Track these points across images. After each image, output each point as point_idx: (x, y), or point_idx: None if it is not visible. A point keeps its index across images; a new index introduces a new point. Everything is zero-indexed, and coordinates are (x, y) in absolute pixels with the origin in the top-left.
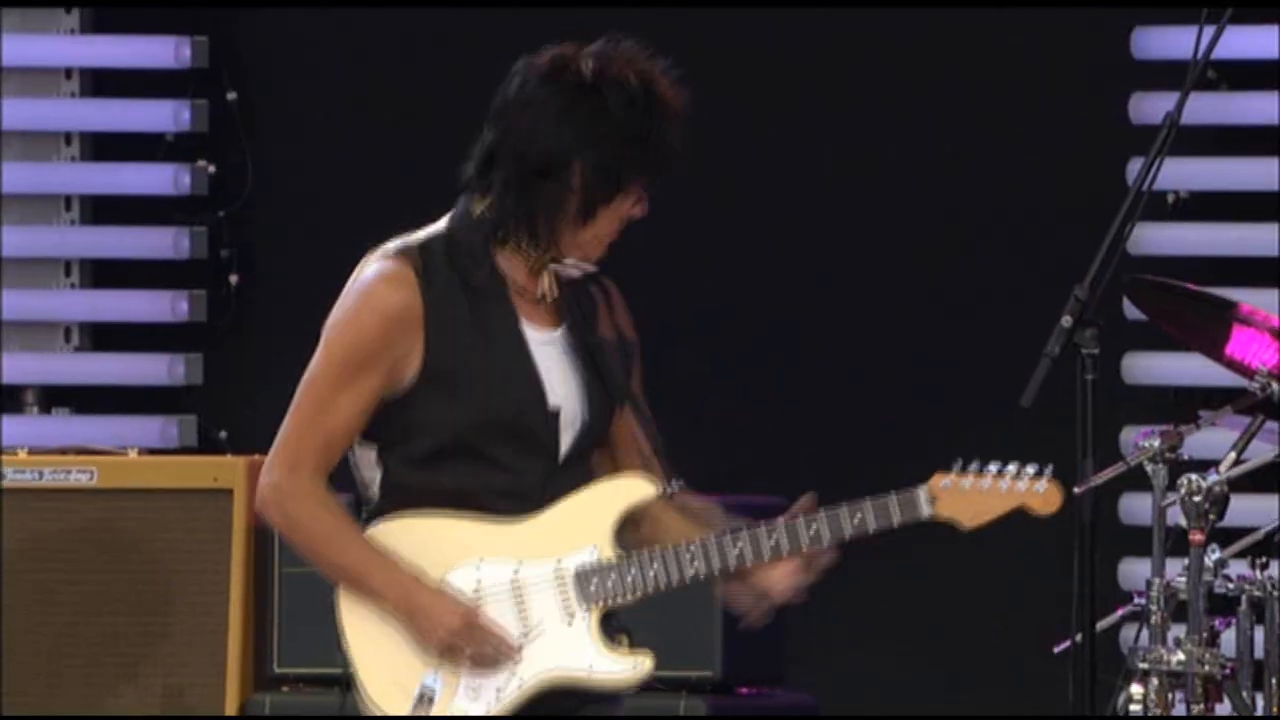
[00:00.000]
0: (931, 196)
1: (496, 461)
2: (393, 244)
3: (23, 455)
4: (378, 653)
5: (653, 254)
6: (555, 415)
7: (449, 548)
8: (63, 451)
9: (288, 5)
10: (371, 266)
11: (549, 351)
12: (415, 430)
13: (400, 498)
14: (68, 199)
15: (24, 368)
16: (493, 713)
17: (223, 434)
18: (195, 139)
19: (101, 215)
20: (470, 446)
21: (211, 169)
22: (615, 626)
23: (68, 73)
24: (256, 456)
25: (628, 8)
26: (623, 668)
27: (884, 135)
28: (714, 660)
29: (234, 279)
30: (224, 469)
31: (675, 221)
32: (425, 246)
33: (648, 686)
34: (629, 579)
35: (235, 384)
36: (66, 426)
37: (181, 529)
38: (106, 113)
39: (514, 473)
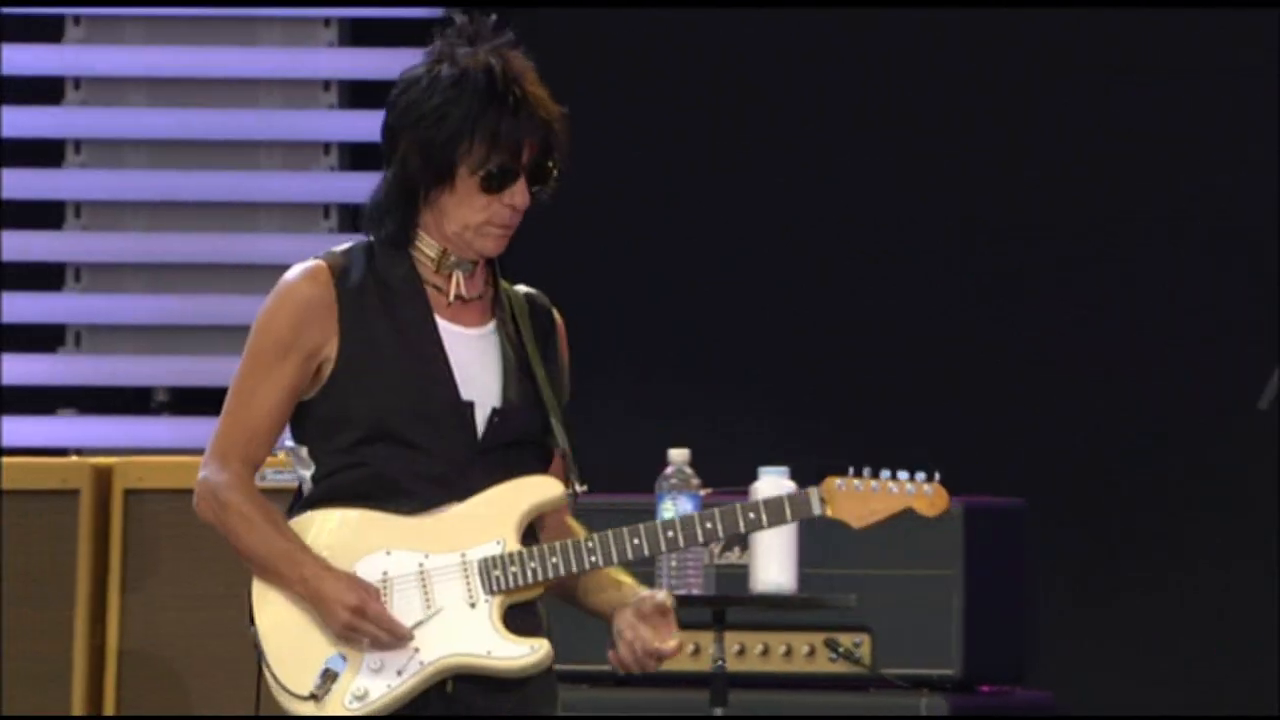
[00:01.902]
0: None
1: (417, 446)
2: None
3: (283, 457)
4: (285, 637)
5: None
6: (469, 406)
7: (360, 538)
8: None
9: (539, 6)
10: (293, 268)
11: (469, 345)
12: (339, 422)
13: (327, 489)
14: (326, 208)
15: None
16: (394, 689)
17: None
18: None
19: (359, 223)
20: (391, 432)
21: None
22: (527, 620)
23: (326, 85)
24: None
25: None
26: (520, 651)
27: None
28: (954, 659)
29: None
30: None
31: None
32: (347, 250)
33: (888, 684)
34: (530, 569)
35: None
36: None
37: None
38: (363, 123)
39: (436, 456)
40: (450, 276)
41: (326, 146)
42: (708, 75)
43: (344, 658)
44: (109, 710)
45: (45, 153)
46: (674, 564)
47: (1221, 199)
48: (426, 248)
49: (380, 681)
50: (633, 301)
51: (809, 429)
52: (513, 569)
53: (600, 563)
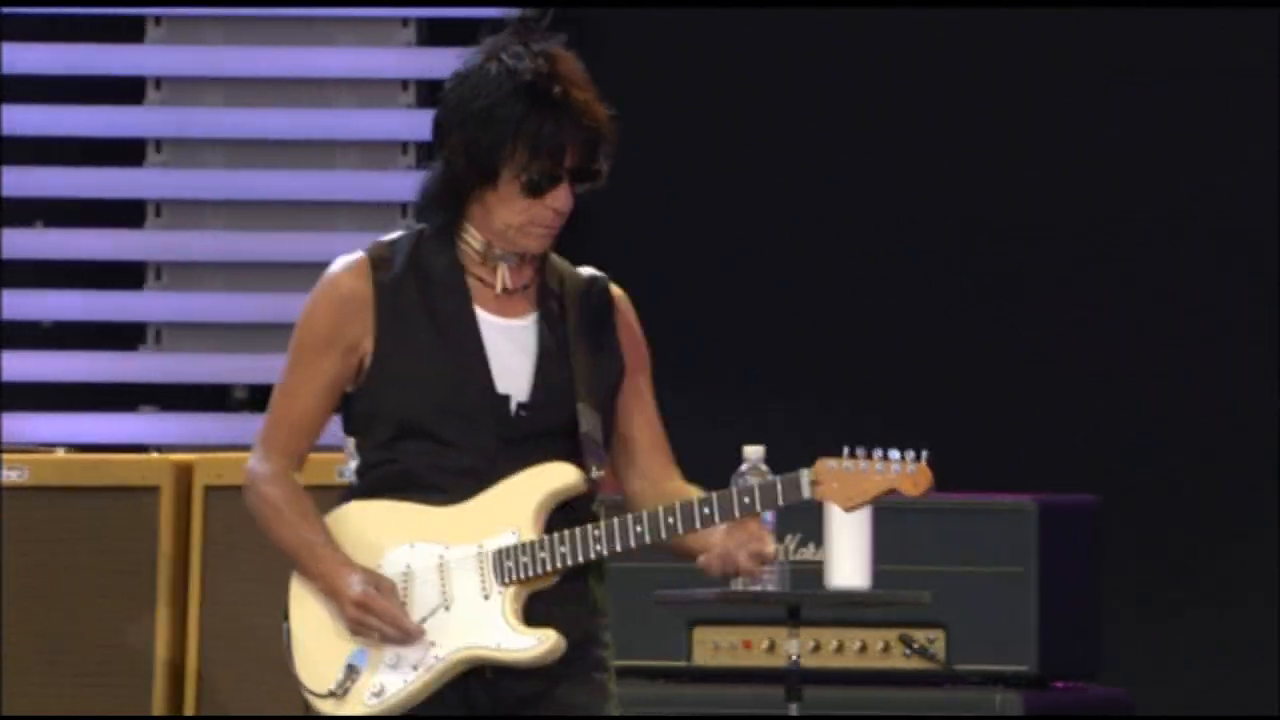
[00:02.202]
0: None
1: (446, 441)
2: None
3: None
4: (312, 634)
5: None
6: (504, 399)
7: (388, 531)
8: None
9: (610, 7)
10: (335, 261)
11: (509, 337)
12: (375, 417)
13: (366, 483)
14: (403, 207)
15: None
16: (410, 684)
17: None
18: None
19: None
20: (420, 428)
21: None
22: (556, 609)
23: (404, 84)
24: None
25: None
26: (529, 643)
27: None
28: (1030, 655)
29: None
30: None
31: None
32: (392, 241)
33: (962, 680)
34: (540, 558)
35: None
36: None
37: None
38: None
39: (465, 452)
40: (495, 269)
41: (404, 146)
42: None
43: (366, 654)
44: (189, 706)
45: (126, 152)
46: None
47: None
48: (472, 240)
49: (396, 677)
50: (695, 301)
51: (884, 425)
52: (524, 559)
53: (604, 551)
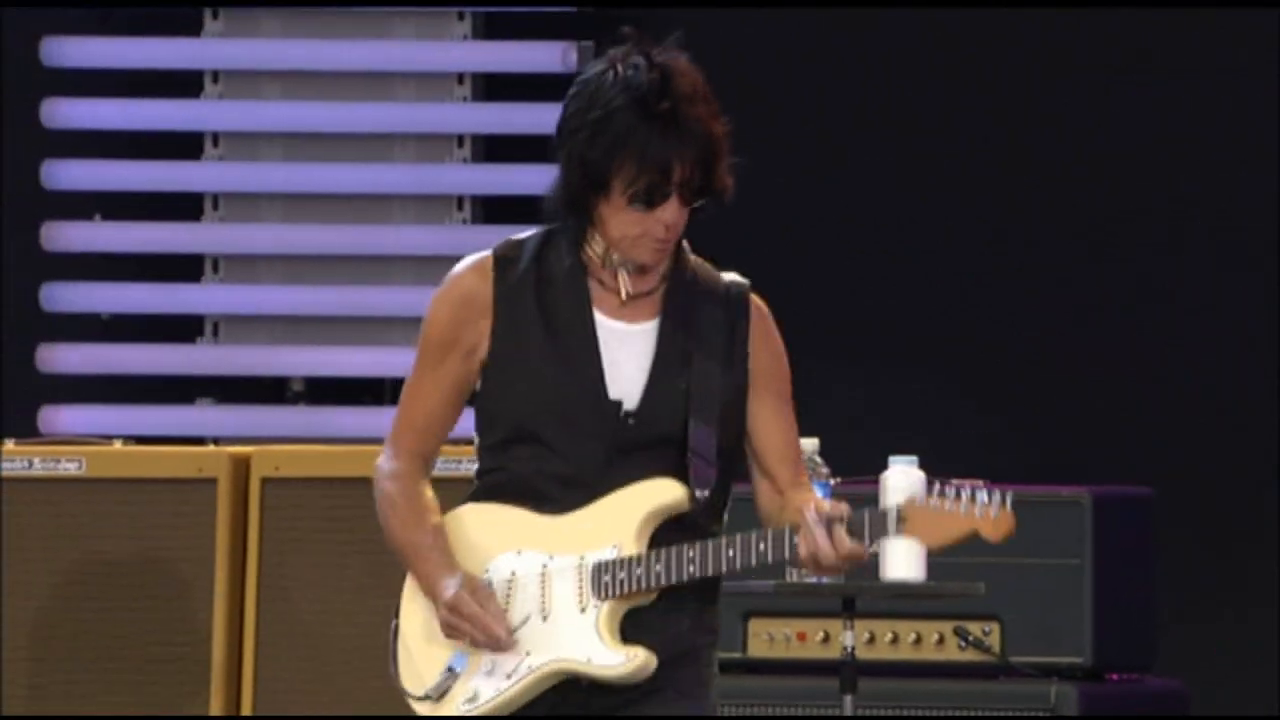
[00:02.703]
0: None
1: (554, 448)
2: None
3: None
4: (417, 635)
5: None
6: (616, 405)
7: (496, 536)
8: (454, 442)
9: (667, 8)
10: (464, 259)
11: (627, 343)
12: (493, 418)
13: (482, 486)
14: (459, 199)
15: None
16: (503, 692)
17: None
18: None
19: (491, 215)
20: (532, 433)
21: None
22: (655, 626)
23: (460, 78)
24: None
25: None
26: (618, 660)
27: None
28: (1085, 647)
29: None
30: None
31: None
32: (522, 240)
33: (1017, 672)
34: (636, 575)
35: None
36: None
37: None
38: (496, 115)
39: (572, 459)
40: (616, 274)
41: (460, 139)
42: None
43: (465, 658)
44: (247, 699)
45: (184, 145)
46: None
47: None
48: (595, 244)
49: (491, 684)
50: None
51: (937, 417)
52: (621, 575)
53: (697, 573)
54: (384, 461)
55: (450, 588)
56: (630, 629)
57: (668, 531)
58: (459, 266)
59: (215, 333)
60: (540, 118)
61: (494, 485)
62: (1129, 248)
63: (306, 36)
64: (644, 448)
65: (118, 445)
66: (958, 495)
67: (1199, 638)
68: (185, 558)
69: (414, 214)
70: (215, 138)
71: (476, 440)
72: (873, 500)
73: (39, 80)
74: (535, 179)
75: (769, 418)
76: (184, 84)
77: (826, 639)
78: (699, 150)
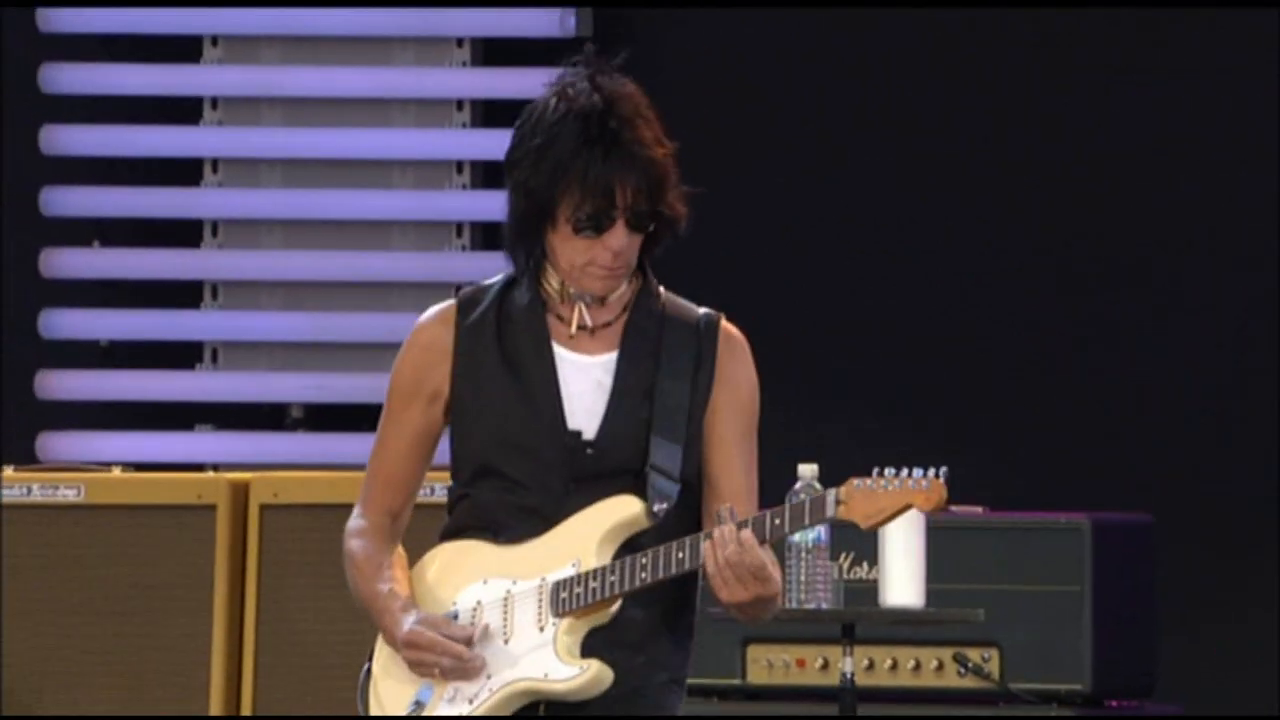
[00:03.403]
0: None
1: (516, 480)
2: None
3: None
4: (385, 676)
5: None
6: (575, 435)
7: (462, 569)
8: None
9: (667, 8)
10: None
11: (586, 375)
12: (457, 459)
13: (450, 523)
14: (458, 226)
15: None
16: (468, 716)
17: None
18: None
19: (490, 241)
20: (494, 468)
21: None
22: (615, 638)
23: (459, 104)
24: None
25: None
26: (571, 673)
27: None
28: (1085, 673)
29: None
30: None
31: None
32: (485, 285)
33: (1017, 699)
34: (592, 588)
35: None
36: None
37: None
38: (496, 142)
39: (533, 490)
40: (573, 307)
41: (459, 165)
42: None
43: (430, 690)
44: None
45: (184, 171)
46: (803, 578)
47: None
48: (551, 278)
49: (454, 710)
50: (752, 304)
51: (935, 444)
52: (578, 589)
53: (648, 578)
54: (352, 520)
55: (405, 624)
56: (587, 652)
57: (626, 550)
58: (421, 318)
59: (214, 359)
60: None
61: (459, 519)
62: (1134, 273)
63: (306, 63)
64: (603, 477)
65: (116, 472)
66: (895, 473)
67: (1199, 664)
68: (184, 584)
69: (413, 240)
70: (215, 164)
71: (451, 480)
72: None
73: (38, 106)
74: None
75: (727, 452)
76: (183, 110)
77: (826, 665)
78: (642, 175)
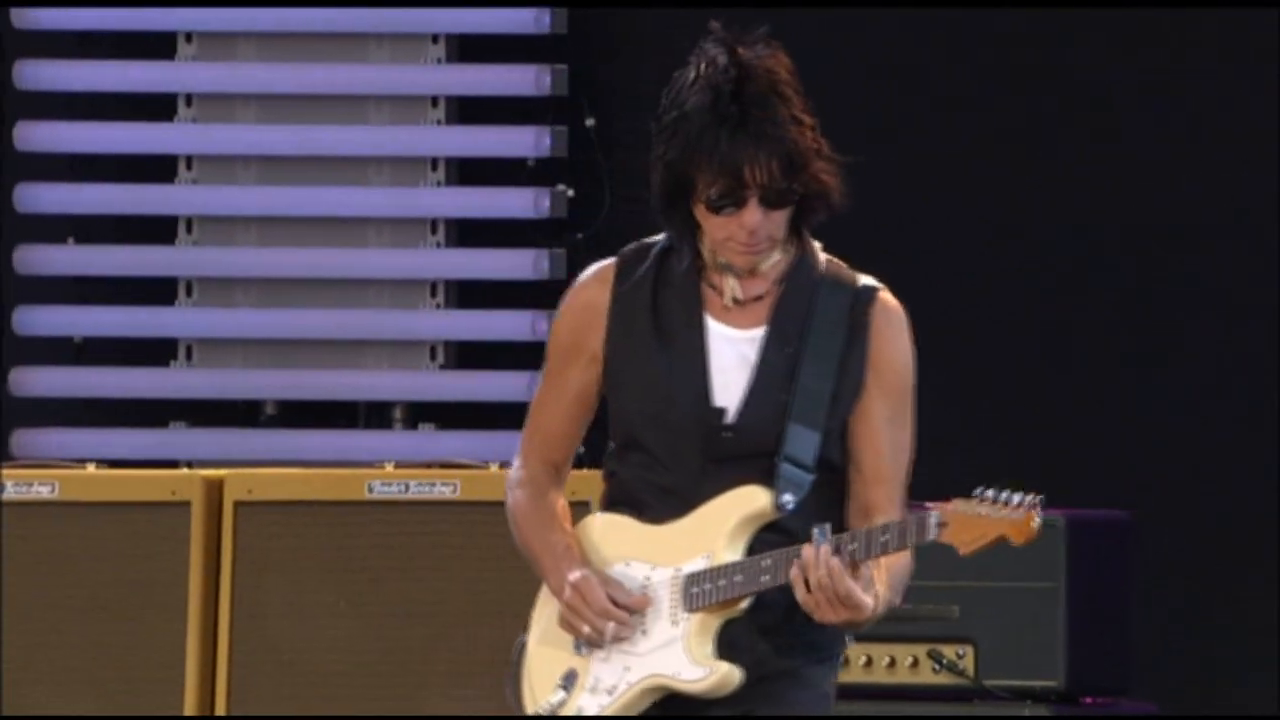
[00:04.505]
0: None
1: (655, 457)
2: None
3: (390, 469)
4: (540, 647)
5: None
6: (718, 413)
7: (612, 545)
8: (428, 465)
9: (642, 32)
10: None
11: (734, 349)
12: (613, 423)
13: (607, 493)
14: (433, 222)
15: (391, 385)
16: (605, 709)
17: (581, 449)
18: (555, 164)
19: (465, 238)
20: (638, 442)
21: (570, 193)
22: (748, 638)
23: (434, 100)
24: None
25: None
26: (701, 674)
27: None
28: (1059, 670)
29: None
30: (581, 482)
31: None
32: (648, 244)
33: (991, 696)
34: (720, 585)
35: None
36: (431, 441)
37: None
38: (470, 139)
39: (671, 470)
40: (725, 276)
41: (434, 162)
42: (808, 75)
43: (576, 676)
44: None
45: (158, 168)
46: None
47: None
48: (703, 247)
49: (594, 701)
50: None
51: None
52: (708, 585)
53: (770, 581)
54: (513, 471)
55: (575, 572)
56: (723, 648)
57: (765, 542)
58: (581, 276)
59: (189, 356)
60: (514, 140)
61: (611, 493)
62: (1114, 268)
63: (280, 60)
64: (738, 459)
65: (91, 469)
66: (994, 499)
67: (1174, 661)
68: (159, 581)
69: (388, 237)
70: (189, 161)
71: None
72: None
73: (12, 103)
74: (510, 202)
75: (873, 434)
76: (158, 107)
77: None
78: (773, 152)
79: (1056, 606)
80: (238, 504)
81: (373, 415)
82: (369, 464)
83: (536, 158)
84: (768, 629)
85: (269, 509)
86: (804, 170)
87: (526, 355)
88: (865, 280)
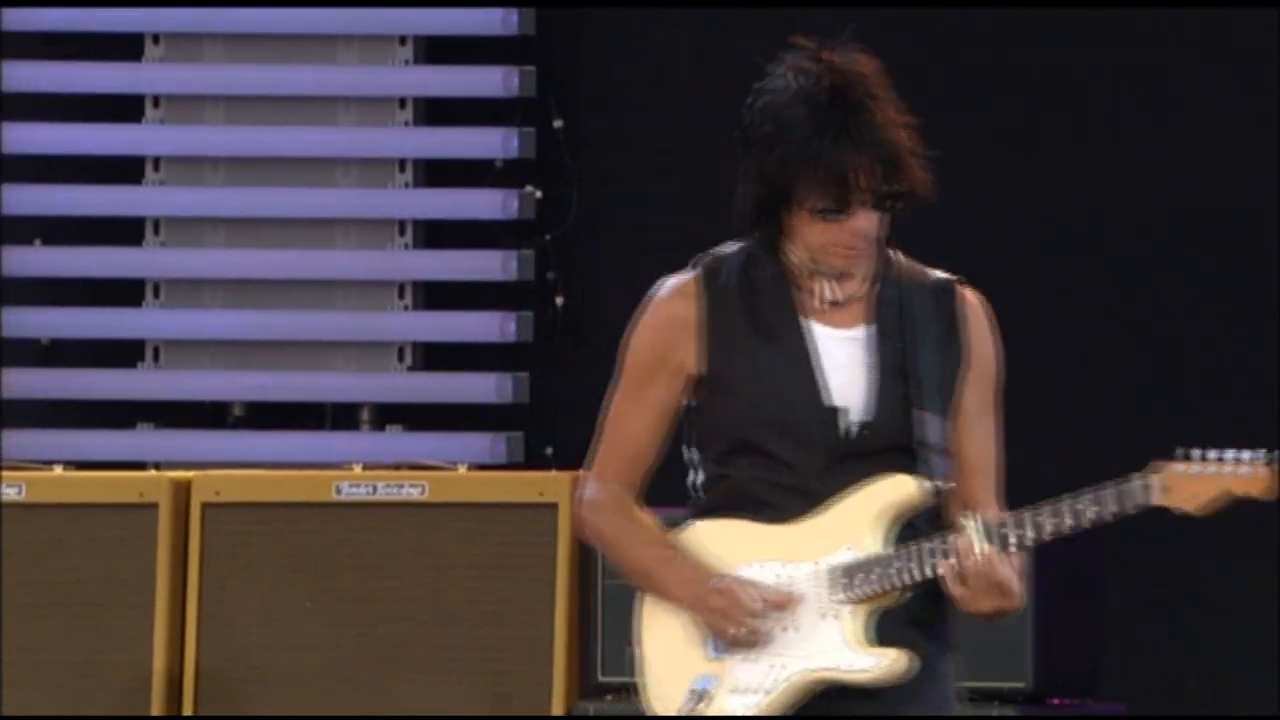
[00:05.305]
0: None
1: (776, 458)
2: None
3: (358, 470)
4: (661, 656)
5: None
6: (834, 412)
7: (728, 550)
8: (396, 467)
9: (611, 34)
10: (665, 280)
11: (842, 348)
12: (710, 434)
13: (705, 501)
14: (401, 224)
15: (359, 386)
16: (759, 707)
17: (549, 450)
18: (523, 165)
19: (433, 239)
20: (752, 444)
21: (538, 194)
22: (904, 627)
23: (401, 102)
24: (581, 472)
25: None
26: (869, 663)
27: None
28: (1026, 671)
29: (560, 300)
30: (549, 484)
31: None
32: (722, 255)
33: (961, 697)
34: (876, 574)
35: (562, 402)
36: (399, 443)
37: (509, 542)
38: (438, 140)
39: (794, 468)
40: (818, 280)
41: (402, 163)
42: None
43: (712, 678)
44: None
45: (125, 170)
46: None
47: None
48: (791, 253)
49: (743, 701)
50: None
51: None
52: (859, 576)
53: (924, 572)
54: (590, 493)
55: (710, 579)
56: (880, 634)
57: (906, 530)
58: (661, 290)
59: (156, 357)
60: (482, 141)
61: (716, 498)
62: (1089, 268)
63: (249, 61)
64: (869, 454)
65: (58, 471)
66: (1219, 458)
67: (1142, 662)
68: (126, 582)
69: (356, 238)
70: (157, 162)
71: (690, 455)
72: None
73: None
74: (478, 203)
75: (969, 424)
76: (125, 109)
77: None
78: (877, 157)
79: (1024, 607)
80: (205, 505)
81: (341, 417)
82: (337, 465)
83: (505, 159)
84: (919, 622)
85: (237, 510)
86: (905, 171)
87: (495, 356)
88: (939, 273)
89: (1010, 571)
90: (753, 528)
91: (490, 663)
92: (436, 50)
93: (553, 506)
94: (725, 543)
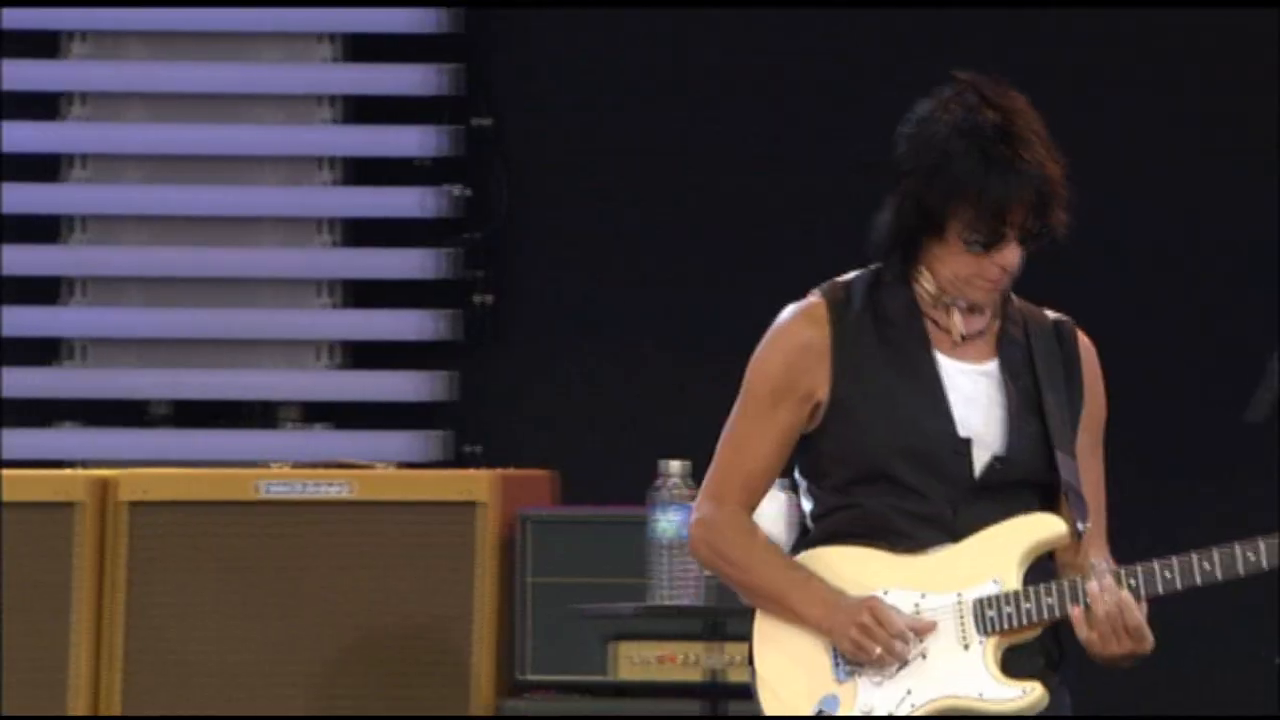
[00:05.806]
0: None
1: (908, 487)
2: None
3: (283, 469)
4: (782, 676)
5: None
6: (966, 443)
7: (858, 577)
8: (321, 465)
9: (539, 32)
10: (790, 306)
11: (972, 382)
12: (834, 460)
13: (825, 529)
14: (324, 222)
15: (284, 385)
16: None
17: (476, 449)
18: (448, 163)
19: (357, 237)
20: (882, 473)
21: (467, 193)
22: (1028, 660)
23: (325, 100)
24: (510, 470)
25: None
26: (1012, 694)
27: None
28: None
29: (486, 299)
30: (475, 482)
31: None
32: (849, 282)
33: None
34: (1025, 609)
35: (488, 401)
36: (325, 441)
37: (434, 541)
38: (362, 138)
39: (925, 498)
40: (949, 313)
41: (325, 161)
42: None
43: (837, 700)
44: None
45: (47, 167)
46: (669, 575)
47: None
48: (927, 283)
49: None
50: (627, 306)
51: None
52: (1007, 609)
53: (1059, 612)
54: (708, 515)
55: (862, 599)
56: (1007, 667)
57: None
58: (788, 314)
59: (78, 355)
60: (408, 139)
61: (838, 525)
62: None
63: (172, 58)
64: (1005, 488)
65: None
66: None
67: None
68: (48, 582)
69: (279, 236)
70: (79, 159)
71: (806, 483)
72: None
73: None
74: (400, 202)
75: (1082, 465)
76: (47, 106)
77: (694, 661)
78: (1035, 194)
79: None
80: (130, 504)
81: (265, 415)
82: (262, 464)
83: (432, 157)
84: (1046, 656)
85: (161, 509)
86: (1053, 209)
87: (422, 355)
88: (1057, 316)
89: (1141, 617)
90: (885, 555)
91: (413, 661)
92: (360, 48)
93: (478, 505)
94: (858, 569)
